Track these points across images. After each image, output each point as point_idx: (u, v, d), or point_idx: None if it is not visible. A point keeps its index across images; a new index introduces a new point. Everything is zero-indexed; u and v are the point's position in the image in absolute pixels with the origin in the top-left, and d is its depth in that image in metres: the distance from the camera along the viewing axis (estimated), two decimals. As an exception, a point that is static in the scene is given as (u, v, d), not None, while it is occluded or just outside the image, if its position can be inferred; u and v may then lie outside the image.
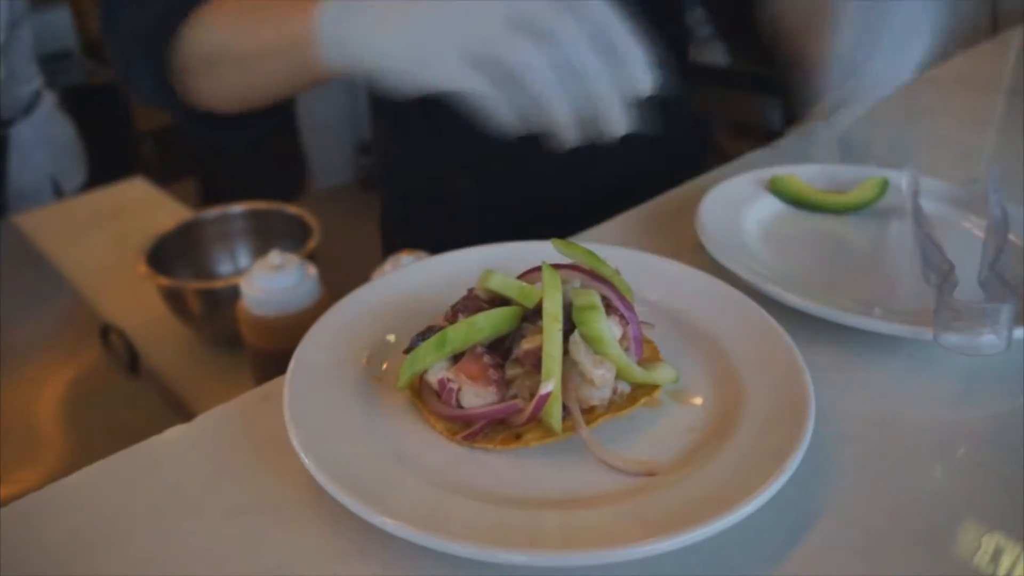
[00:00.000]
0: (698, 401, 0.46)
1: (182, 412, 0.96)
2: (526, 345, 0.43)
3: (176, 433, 0.46)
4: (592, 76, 0.45)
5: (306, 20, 0.56)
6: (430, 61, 0.47)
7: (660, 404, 0.46)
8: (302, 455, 0.39)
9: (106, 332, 1.05)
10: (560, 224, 0.64)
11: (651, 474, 0.41)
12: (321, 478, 0.38)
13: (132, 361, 1.01)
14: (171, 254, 1.12)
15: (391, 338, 0.51)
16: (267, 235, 1.19)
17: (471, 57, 0.46)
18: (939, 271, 0.52)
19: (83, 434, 0.94)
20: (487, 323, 0.44)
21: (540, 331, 0.42)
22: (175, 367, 1.03)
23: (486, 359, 0.43)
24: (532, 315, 0.45)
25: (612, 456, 0.42)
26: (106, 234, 1.32)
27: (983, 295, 0.53)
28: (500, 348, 0.45)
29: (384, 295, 0.54)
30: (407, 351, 0.45)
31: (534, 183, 0.81)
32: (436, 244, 0.59)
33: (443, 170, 0.84)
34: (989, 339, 0.46)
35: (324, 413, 0.43)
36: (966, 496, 0.42)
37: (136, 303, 1.12)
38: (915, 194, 0.65)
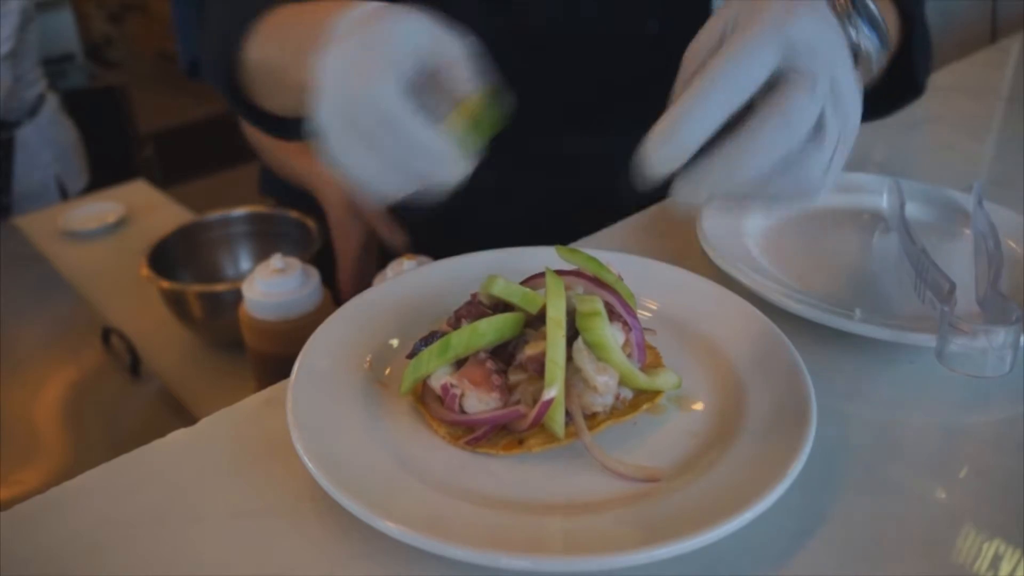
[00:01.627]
0: (700, 407, 0.47)
1: (183, 415, 0.96)
2: (529, 351, 0.43)
3: (179, 437, 0.47)
4: None
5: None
6: None
7: (662, 410, 0.46)
8: (305, 459, 0.39)
9: (107, 335, 1.05)
10: (574, 220, 0.68)
11: (653, 480, 0.41)
12: (324, 482, 0.38)
13: (133, 364, 1.01)
14: (173, 257, 1.12)
15: (394, 343, 0.51)
16: (269, 239, 1.19)
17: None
18: (938, 290, 0.52)
19: (84, 437, 0.94)
20: (490, 329, 0.44)
21: (543, 337, 0.43)
22: (176, 370, 1.03)
23: (489, 364, 0.43)
24: (535, 321, 0.45)
25: (614, 462, 0.42)
26: (108, 237, 1.33)
27: (982, 312, 0.53)
28: (503, 354, 0.45)
29: (387, 300, 0.54)
30: (410, 356, 0.45)
31: (552, 175, 0.82)
32: (449, 237, 0.60)
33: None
34: (994, 361, 0.46)
35: (327, 417, 0.43)
36: (967, 502, 0.43)
37: (138, 306, 1.12)
38: (901, 206, 0.65)
